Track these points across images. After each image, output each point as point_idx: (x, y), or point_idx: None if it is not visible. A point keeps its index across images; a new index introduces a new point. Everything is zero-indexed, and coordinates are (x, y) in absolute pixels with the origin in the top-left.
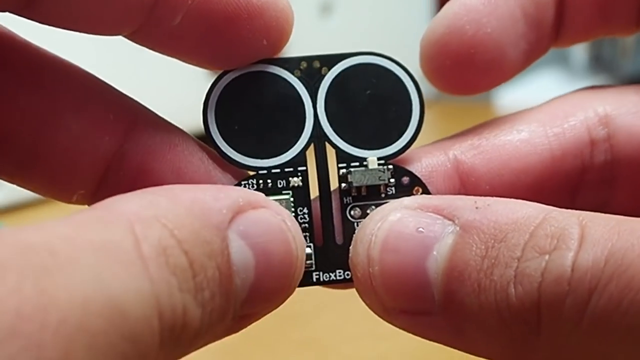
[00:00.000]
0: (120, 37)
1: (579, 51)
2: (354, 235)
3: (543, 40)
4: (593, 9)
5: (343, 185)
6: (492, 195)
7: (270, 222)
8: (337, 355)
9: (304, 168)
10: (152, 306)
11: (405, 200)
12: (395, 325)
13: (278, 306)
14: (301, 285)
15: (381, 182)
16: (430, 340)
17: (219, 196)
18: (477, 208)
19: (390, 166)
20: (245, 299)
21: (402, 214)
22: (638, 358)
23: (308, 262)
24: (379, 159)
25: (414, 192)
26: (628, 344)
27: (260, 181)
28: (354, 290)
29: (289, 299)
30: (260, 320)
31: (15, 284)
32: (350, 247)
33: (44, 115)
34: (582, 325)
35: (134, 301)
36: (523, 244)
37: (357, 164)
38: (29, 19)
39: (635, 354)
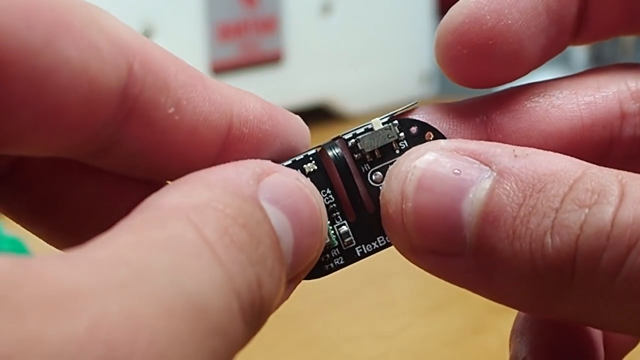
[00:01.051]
0: None
1: (579, 51)
2: (388, 171)
3: (563, 36)
4: (618, 8)
5: (356, 155)
6: None
7: (288, 184)
8: (337, 355)
9: (314, 151)
10: (228, 290)
11: (442, 141)
12: (419, 265)
13: (312, 265)
14: (347, 263)
15: (391, 140)
16: (454, 283)
17: (239, 170)
18: (515, 156)
19: (395, 121)
20: (291, 262)
21: (439, 154)
22: None
23: (347, 239)
24: (384, 123)
25: (427, 138)
26: None
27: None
28: (353, 290)
29: (288, 300)
30: None
31: (99, 309)
32: (383, 183)
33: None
34: (617, 281)
35: (211, 293)
36: (562, 196)
37: (363, 130)
38: None
39: None
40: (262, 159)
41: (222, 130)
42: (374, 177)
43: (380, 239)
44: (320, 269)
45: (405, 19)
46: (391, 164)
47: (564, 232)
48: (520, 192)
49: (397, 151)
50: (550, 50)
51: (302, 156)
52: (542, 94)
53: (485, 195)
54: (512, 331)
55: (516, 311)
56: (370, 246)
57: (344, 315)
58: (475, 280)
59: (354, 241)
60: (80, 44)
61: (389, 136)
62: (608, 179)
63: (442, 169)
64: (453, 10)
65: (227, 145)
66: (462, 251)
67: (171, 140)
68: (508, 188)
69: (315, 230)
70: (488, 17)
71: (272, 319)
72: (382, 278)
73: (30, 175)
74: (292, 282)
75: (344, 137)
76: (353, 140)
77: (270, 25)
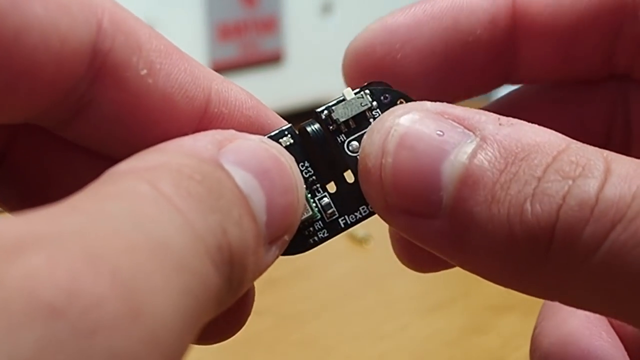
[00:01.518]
0: None
1: None
2: (370, 125)
3: (474, 81)
4: (550, 51)
5: (331, 127)
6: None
7: (252, 146)
8: (337, 355)
9: (288, 125)
10: (190, 232)
11: (428, 103)
12: (393, 225)
13: (295, 226)
14: (331, 235)
15: (364, 108)
16: (427, 247)
17: (197, 137)
18: (500, 124)
19: (367, 90)
20: (267, 221)
21: (424, 114)
22: None
23: (329, 211)
24: (356, 92)
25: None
26: None
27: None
28: (353, 290)
29: (288, 299)
30: (260, 321)
31: (58, 248)
32: (364, 137)
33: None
34: (595, 257)
35: (173, 232)
36: (545, 165)
37: (335, 101)
38: None
39: None
40: None
41: (199, 103)
42: (350, 147)
43: (363, 209)
44: (304, 243)
45: None
46: (367, 131)
47: (546, 201)
48: (503, 159)
49: (371, 119)
50: (469, 89)
51: (277, 131)
52: None
53: (467, 159)
54: (540, 356)
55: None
56: (354, 216)
57: (344, 315)
58: (449, 244)
59: (336, 212)
60: (48, 2)
61: (362, 104)
62: (593, 154)
63: (425, 128)
64: (356, 36)
65: (205, 122)
66: (438, 213)
67: (145, 105)
68: (490, 154)
69: (288, 188)
70: (378, 48)
71: (272, 319)
72: (382, 278)
73: (19, 161)
74: (275, 244)
75: (317, 110)
76: (326, 112)
77: (270, 25)
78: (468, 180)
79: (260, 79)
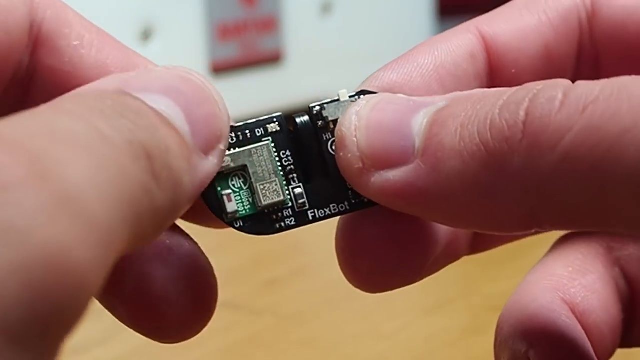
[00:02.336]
0: (121, 39)
1: None
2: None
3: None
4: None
5: (320, 122)
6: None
7: (156, 73)
8: (337, 355)
9: (279, 114)
10: (95, 129)
11: (401, 95)
12: (369, 191)
13: (225, 134)
14: (297, 224)
15: None
16: (403, 203)
17: (99, 82)
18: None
19: (361, 95)
20: (191, 130)
21: (401, 95)
22: (632, 161)
23: (300, 201)
24: (351, 96)
25: None
26: (622, 148)
27: (239, 133)
28: (353, 290)
29: (288, 299)
30: (260, 321)
31: None
32: (341, 114)
33: None
34: (572, 135)
35: (75, 127)
36: (512, 90)
37: (329, 100)
38: None
39: (628, 161)
40: None
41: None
42: (333, 146)
43: (334, 206)
44: (271, 226)
45: (405, 19)
46: None
47: (512, 107)
48: (469, 102)
49: None
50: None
51: (266, 117)
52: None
53: (437, 109)
54: (502, 339)
55: None
56: (323, 212)
57: (344, 315)
58: (424, 186)
59: (307, 204)
60: None
61: None
62: (561, 80)
63: (398, 97)
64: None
65: None
66: (411, 157)
67: (82, 74)
68: (458, 103)
69: (204, 98)
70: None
71: (272, 319)
72: None
73: None
74: (211, 154)
75: (310, 105)
76: (318, 108)
77: (270, 25)
78: (438, 119)
79: (260, 79)
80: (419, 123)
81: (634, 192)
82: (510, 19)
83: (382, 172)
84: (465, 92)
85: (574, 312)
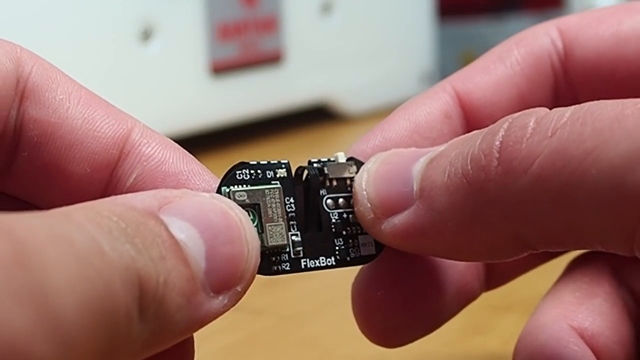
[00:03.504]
0: (121, 39)
1: None
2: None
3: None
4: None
5: (320, 178)
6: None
7: (198, 200)
8: (337, 355)
9: (286, 161)
10: (97, 246)
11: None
12: (385, 237)
13: (248, 277)
14: (291, 271)
15: (350, 175)
16: (411, 245)
17: (139, 193)
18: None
19: (353, 161)
20: (208, 268)
21: (409, 148)
22: (597, 186)
23: (297, 248)
24: (347, 159)
25: None
26: (585, 174)
27: (252, 171)
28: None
29: (288, 299)
30: (260, 320)
31: None
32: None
33: None
34: (541, 160)
35: (78, 236)
36: (494, 124)
37: (328, 159)
38: None
39: (594, 182)
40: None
41: (122, 132)
42: (327, 202)
43: (322, 259)
44: (268, 268)
45: (405, 19)
46: (342, 197)
47: (489, 138)
48: (461, 142)
49: (349, 188)
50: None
51: (275, 161)
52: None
53: (433, 155)
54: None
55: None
56: (313, 262)
57: (344, 315)
58: (423, 226)
59: (301, 253)
60: None
61: (349, 171)
62: (538, 108)
63: (402, 150)
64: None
65: (131, 148)
66: (411, 201)
67: (67, 126)
68: (452, 145)
69: (235, 239)
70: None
71: (272, 319)
72: None
73: None
74: (223, 294)
75: (312, 160)
76: (320, 165)
77: (270, 25)
78: (432, 163)
79: (260, 79)
80: (418, 169)
81: (598, 210)
82: (484, 73)
83: (389, 218)
84: (462, 136)
85: (582, 337)
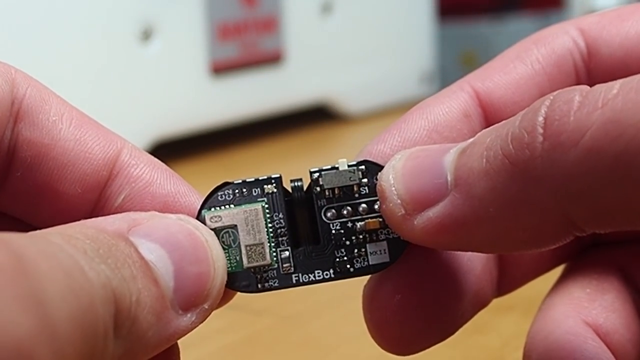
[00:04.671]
0: (122, 39)
1: None
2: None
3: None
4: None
5: (317, 189)
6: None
7: (165, 222)
8: (337, 355)
9: (277, 175)
10: (77, 264)
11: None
12: (415, 235)
13: (215, 295)
14: (280, 287)
15: (352, 183)
16: (446, 239)
17: (108, 217)
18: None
19: (362, 166)
20: (176, 286)
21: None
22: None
23: (285, 265)
24: (350, 165)
25: None
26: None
27: (236, 190)
28: (353, 290)
29: (288, 299)
30: (260, 320)
31: None
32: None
33: None
34: (592, 131)
35: (61, 256)
36: (534, 104)
37: (329, 167)
38: None
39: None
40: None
41: (112, 153)
42: (328, 214)
43: (318, 273)
44: (255, 285)
45: (405, 19)
46: (349, 205)
47: (530, 114)
48: (493, 130)
49: (357, 195)
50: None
51: (265, 177)
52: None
53: (465, 145)
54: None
55: (515, 311)
56: (307, 277)
57: (344, 315)
58: (460, 217)
59: (292, 268)
60: None
61: (351, 179)
62: (579, 86)
63: (429, 146)
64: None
65: (120, 169)
66: (445, 192)
67: (60, 148)
68: (482, 135)
69: (201, 258)
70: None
71: (272, 319)
72: None
73: None
74: (191, 312)
75: (311, 170)
76: (316, 175)
77: (270, 25)
78: (466, 151)
79: (260, 79)
80: (449, 159)
81: None
82: (504, 72)
83: (422, 213)
84: (493, 125)
85: (597, 334)
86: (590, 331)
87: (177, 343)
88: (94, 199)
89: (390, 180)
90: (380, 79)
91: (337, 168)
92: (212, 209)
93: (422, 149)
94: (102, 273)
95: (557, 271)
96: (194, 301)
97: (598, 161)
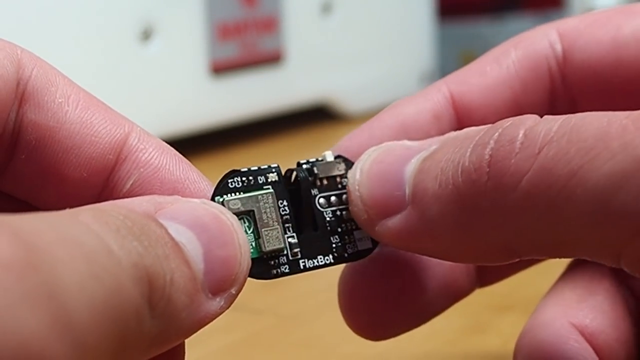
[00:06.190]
0: (121, 39)
1: None
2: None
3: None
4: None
5: (310, 178)
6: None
7: (191, 205)
8: (337, 355)
9: (276, 165)
10: (105, 246)
11: (407, 141)
12: (378, 237)
13: (241, 280)
14: (291, 272)
15: (338, 173)
16: (405, 246)
17: (135, 198)
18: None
19: (340, 159)
20: (205, 269)
21: (401, 142)
22: (582, 206)
23: (295, 250)
24: (335, 157)
25: None
26: (572, 192)
27: (244, 178)
28: None
29: (288, 299)
30: (260, 320)
31: None
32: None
33: None
34: (528, 177)
35: (85, 238)
36: (485, 130)
37: (316, 159)
38: None
39: (579, 201)
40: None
41: (119, 136)
42: (320, 201)
43: (320, 258)
44: (268, 271)
45: (405, 19)
46: (334, 195)
47: (479, 149)
48: (452, 146)
49: (340, 185)
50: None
51: (266, 166)
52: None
53: (425, 156)
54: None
55: (514, 311)
56: (312, 262)
57: None
58: (416, 231)
59: (299, 254)
60: None
61: (338, 169)
62: (529, 116)
63: (396, 146)
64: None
65: (128, 153)
66: (403, 206)
67: (65, 130)
68: (445, 147)
69: (228, 242)
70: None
71: (272, 319)
72: None
73: None
74: (220, 296)
75: (301, 162)
76: (309, 165)
77: (270, 25)
78: (423, 168)
79: (260, 79)
80: (410, 171)
81: (585, 228)
82: (479, 75)
83: (383, 221)
84: (454, 133)
85: (583, 334)
86: (575, 332)
87: (184, 342)
88: (101, 183)
89: (356, 185)
90: (380, 79)
91: (324, 160)
92: (226, 196)
93: (387, 152)
94: (134, 250)
95: (557, 270)
96: (223, 285)
97: (533, 205)
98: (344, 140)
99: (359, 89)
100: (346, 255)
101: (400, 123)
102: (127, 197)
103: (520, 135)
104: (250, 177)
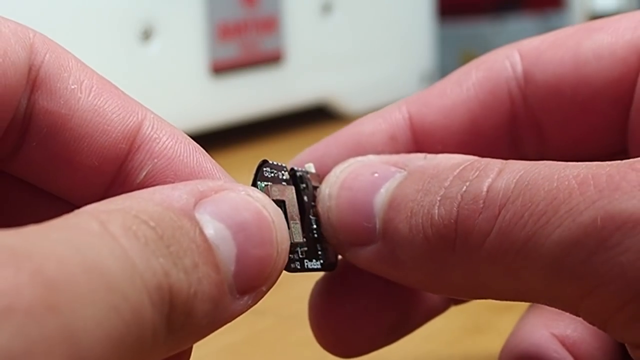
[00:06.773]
0: (122, 39)
1: None
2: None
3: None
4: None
5: (303, 185)
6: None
7: (234, 197)
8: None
9: (285, 164)
10: (128, 265)
11: (371, 155)
12: (349, 259)
13: (274, 278)
14: (301, 269)
15: (316, 186)
16: (374, 272)
17: (177, 186)
18: (425, 158)
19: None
20: (236, 270)
21: (365, 162)
22: (537, 268)
23: (304, 249)
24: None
25: None
26: (527, 256)
27: (273, 170)
28: None
29: (289, 299)
30: (260, 320)
31: None
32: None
33: None
34: (490, 239)
35: (110, 262)
36: (452, 177)
37: (301, 169)
38: None
39: (534, 264)
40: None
41: (132, 124)
42: (310, 209)
43: (314, 262)
44: (288, 265)
45: (405, 19)
46: (313, 206)
47: (448, 202)
48: (421, 182)
49: (313, 198)
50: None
51: (279, 164)
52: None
53: (394, 188)
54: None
55: (514, 311)
56: (311, 263)
57: None
58: (388, 264)
59: (304, 253)
60: None
61: (314, 183)
62: (494, 162)
63: (363, 171)
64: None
65: (142, 142)
66: (374, 239)
67: (77, 117)
68: (413, 180)
69: (266, 240)
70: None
71: (272, 319)
72: None
73: None
74: (248, 294)
75: (295, 168)
76: (300, 173)
77: (270, 25)
78: (393, 203)
79: (260, 79)
80: (379, 202)
81: (542, 286)
82: (439, 96)
83: (353, 249)
84: (420, 161)
85: (564, 344)
86: (556, 342)
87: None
88: (113, 171)
89: (326, 210)
90: (381, 79)
91: (309, 171)
92: (268, 183)
93: (355, 176)
94: (160, 269)
95: None
96: (253, 284)
97: (495, 264)
98: (303, 155)
99: (359, 89)
100: (329, 264)
101: (357, 142)
102: (140, 188)
103: (484, 192)
104: (275, 171)
